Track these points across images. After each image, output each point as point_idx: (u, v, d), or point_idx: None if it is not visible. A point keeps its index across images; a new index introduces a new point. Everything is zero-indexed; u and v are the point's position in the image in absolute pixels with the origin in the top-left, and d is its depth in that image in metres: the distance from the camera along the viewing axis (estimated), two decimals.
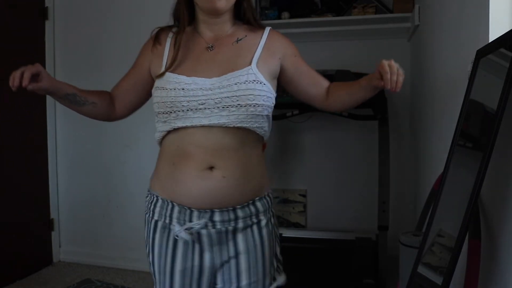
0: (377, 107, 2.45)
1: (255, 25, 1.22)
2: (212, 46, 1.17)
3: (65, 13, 2.96)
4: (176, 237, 1.14)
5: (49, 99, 2.95)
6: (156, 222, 1.19)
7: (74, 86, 1.19)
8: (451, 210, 1.05)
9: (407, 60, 2.83)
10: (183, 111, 1.09)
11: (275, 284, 1.23)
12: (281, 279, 1.24)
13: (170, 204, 1.15)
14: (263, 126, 1.16)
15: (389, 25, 2.63)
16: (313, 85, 1.25)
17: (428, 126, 2.07)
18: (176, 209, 1.14)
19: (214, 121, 1.09)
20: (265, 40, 1.19)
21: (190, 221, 1.12)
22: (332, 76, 2.55)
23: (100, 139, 2.94)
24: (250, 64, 1.14)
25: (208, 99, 1.09)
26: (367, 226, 2.66)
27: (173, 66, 1.14)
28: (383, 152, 2.47)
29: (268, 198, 1.22)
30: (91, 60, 2.93)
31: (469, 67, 1.11)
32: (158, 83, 1.14)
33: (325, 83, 1.26)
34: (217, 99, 1.08)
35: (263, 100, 1.11)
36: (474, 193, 0.89)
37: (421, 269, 1.07)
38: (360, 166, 2.88)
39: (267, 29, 1.23)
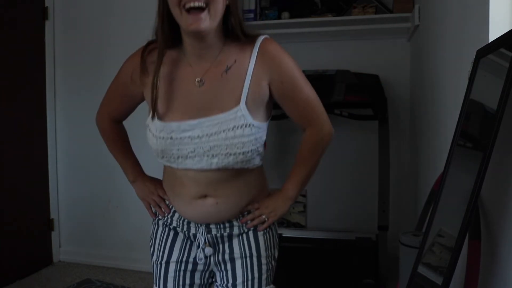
0: (377, 107, 2.45)
1: (245, 41, 1.11)
2: (201, 81, 1.10)
3: (65, 13, 2.96)
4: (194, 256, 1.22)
5: (49, 100, 2.95)
6: (159, 220, 1.26)
7: (130, 163, 1.33)
8: (451, 210, 1.05)
9: (407, 60, 2.83)
10: (173, 157, 1.11)
11: (271, 286, 1.25)
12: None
13: (172, 208, 1.23)
14: (255, 159, 1.14)
15: (389, 25, 2.63)
16: (294, 117, 1.20)
17: (428, 126, 2.07)
18: (177, 214, 1.22)
19: (205, 166, 1.09)
20: (253, 64, 1.10)
21: (188, 228, 1.20)
22: (332, 76, 2.56)
23: (100, 139, 2.91)
24: (239, 103, 1.08)
25: (198, 147, 1.08)
26: (367, 226, 2.66)
27: (159, 110, 1.11)
28: (383, 152, 2.47)
29: None
30: (91, 60, 2.93)
31: (469, 67, 1.11)
32: (148, 121, 1.13)
33: (305, 125, 1.21)
34: (206, 148, 1.07)
35: (252, 144, 1.08)
36: (474, 193, 0.89)
37: (421, 269, 1.08)
38: (360, 166, 2.88)
39: (257, 45, 1.11)
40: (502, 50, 0.92)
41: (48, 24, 2.93)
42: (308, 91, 1.17)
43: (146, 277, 2.71)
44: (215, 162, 1.08)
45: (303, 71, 2.21)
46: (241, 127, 1.06)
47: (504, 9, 1.08)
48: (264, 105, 1.13)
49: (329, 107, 2.48)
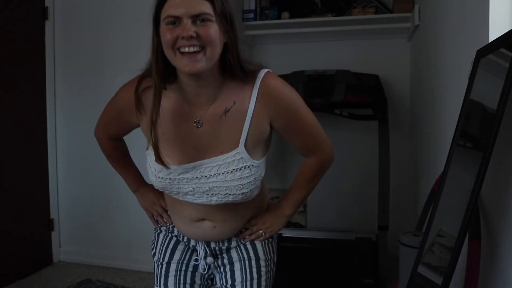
0: (377, 107, 2.45)
1: (245, 78, 1.06)
2: (200, 122, 1.07)
3: (65, 13, 2.96)
4: (196, 262, 1.23)
5: (49, 100, 2.95)
6: (161, 227, 1.29)
7: (131, 174, 1.34)
8: (451, 210, 1.05)
9: (407, 60, 2.83)
10: (173, 193, 1.12)
11: None
12: None
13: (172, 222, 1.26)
14: (254, 192, 1.13)
15: (389, 25, 2.64)
16: (298, 147, 1.19)
17: (428, 126, 2.07)
18: (176, 229, 1.25)
19: (205, 202, 1.11)
20: (254, 104, 1.06)
21: (188, 240, 1.23)
22: (332, 76, 2.56)
23: None
24: (238, 145, 1.06)
25: (197, 187, 1.08)
26: (367, 226, 2.66)
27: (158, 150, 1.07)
28: (383, 152, 2.47)
29: None
30: (91, 60, 2.93)
31: (469, 67, 1.11)
32: (148, 157, 1.12)
33: (308, 154, 1.20)
34: (205, 188, 1.08)
35: (251, 184, 1.08)
36: (474, 193, 0.89)
37: (421, 269, 1.08)
38: (360, 166, 2.88)
39: (257, 83, 1.06)
40: (502, 50, 0.92)
41: (48, 24, 2.93)
42: (311, 121, 1.14)
43: (146, 277, 2.71)
44: (214, 200, 1.09)
45: (303, 71, 2.20)
46: (240, 169, 1.06)
47: (504, 9, 1.08)
48: (264, 142, 1.12)
49: (329, 107, 2.50)
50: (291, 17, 2.80)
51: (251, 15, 2.82)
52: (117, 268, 2.87)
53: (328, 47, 2.92)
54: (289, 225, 2.93)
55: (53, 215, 3.00)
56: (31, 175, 2.86)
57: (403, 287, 1.53)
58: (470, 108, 1.08)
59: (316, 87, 2.48)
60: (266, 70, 1.08)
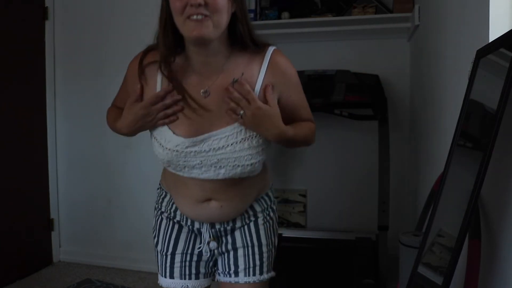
0: (377, 107, 2.45)
1: (253, 51, 1.10)
2: (207, 92, 1.08)
3: (65, 13, 2.96)
4: (199, 249, 1.23)
5: (49, 100, 2.95)
6: (162, 212, 1.27)
7: None
8: (451, 210, 1.05)
9: (407, 60, 2.83)
10: (179, 167, 1.11)
11: (272, 273, 1.27)
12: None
13: (174, 206, 1.23)
14: (260, 166, 1.14)
15: (389, 25, 2.63)
16: (288, 118, 1.17)
17: (428, 126, 2.07)
18: (179, 211, 1.23)
19: (212, 177, 1.10)
20: (263, 77, 1.09)
21: (192, 223, 1.22)
22: (332, 76, 2.56)
23: (100, 140, 2.93)
24: None
25: (204, 160, 1.08)
26: (367, 226, 2.66)
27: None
28: (383, 152, 2.47)
29: (266, 198, 1.26)
30: (91, 60, 2.93)
31: (469, 67, 1.11)
32: (153, 132, 1.12)
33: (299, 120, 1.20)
34: (214, 160, 1.08)
35: (259, 155, 1.10)
36: (474, 193, 0.88)
37: (421, 269, 1.07)
38: (360, 166, 2.88)
39: (267, 58, 1.10)
40: (502, 50, 0.92)
41: (48, 24, 2.93)
42: (305, 98, 1.21)
43: (146, 277, 2.71)
44: (222, 173, 1.09)
45: (303, 71, 2.21)
46: (248, 138, 1.07)
47: (504, 9, 1.08)
48: None
49: (329, 107, 2.49)
50: (291, 17, 2.80)
51: (251, 15, 2.82)
52: (117, 268, 2.87)
53: (328, 47, 2.92)
54: (289, 225, 2.93)
55: (53, 215, 3.00)
56: (31, 175, 2.86)
57: (403, 287, 1.53)
58: (470, 108, 1.08)
59: (316, 87, 2.48)
60: (274, 47, 1.12)
